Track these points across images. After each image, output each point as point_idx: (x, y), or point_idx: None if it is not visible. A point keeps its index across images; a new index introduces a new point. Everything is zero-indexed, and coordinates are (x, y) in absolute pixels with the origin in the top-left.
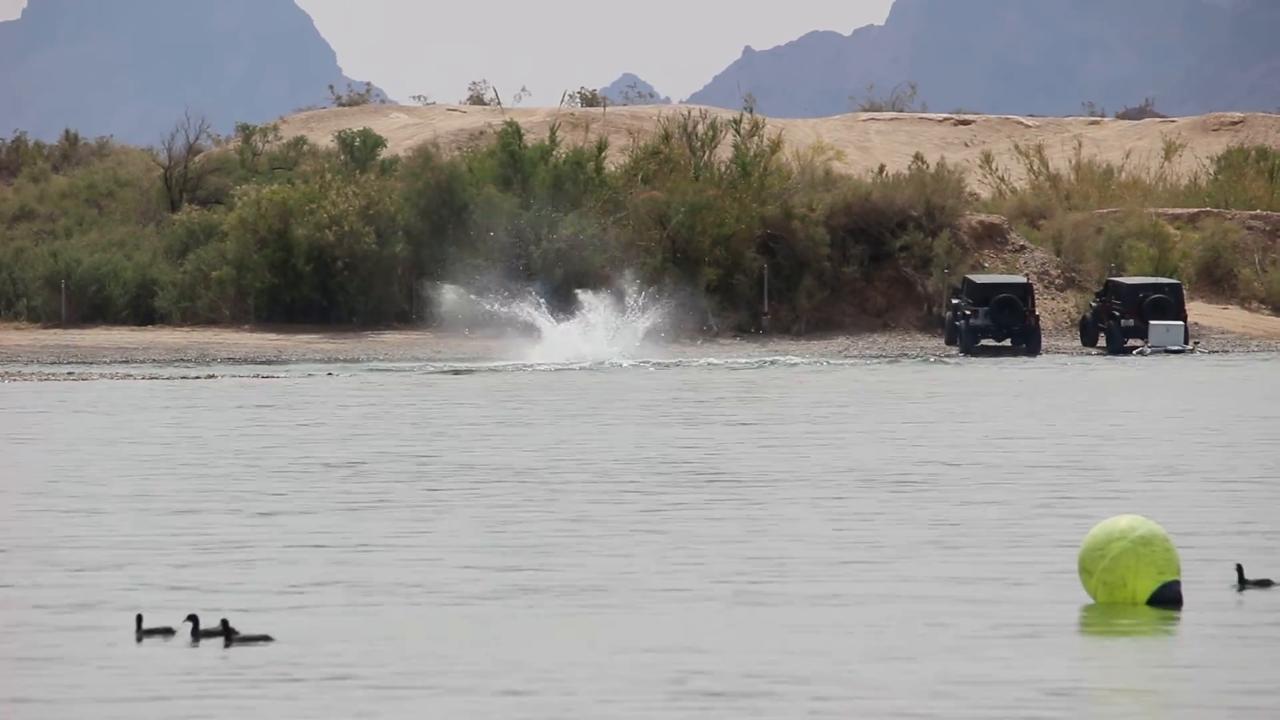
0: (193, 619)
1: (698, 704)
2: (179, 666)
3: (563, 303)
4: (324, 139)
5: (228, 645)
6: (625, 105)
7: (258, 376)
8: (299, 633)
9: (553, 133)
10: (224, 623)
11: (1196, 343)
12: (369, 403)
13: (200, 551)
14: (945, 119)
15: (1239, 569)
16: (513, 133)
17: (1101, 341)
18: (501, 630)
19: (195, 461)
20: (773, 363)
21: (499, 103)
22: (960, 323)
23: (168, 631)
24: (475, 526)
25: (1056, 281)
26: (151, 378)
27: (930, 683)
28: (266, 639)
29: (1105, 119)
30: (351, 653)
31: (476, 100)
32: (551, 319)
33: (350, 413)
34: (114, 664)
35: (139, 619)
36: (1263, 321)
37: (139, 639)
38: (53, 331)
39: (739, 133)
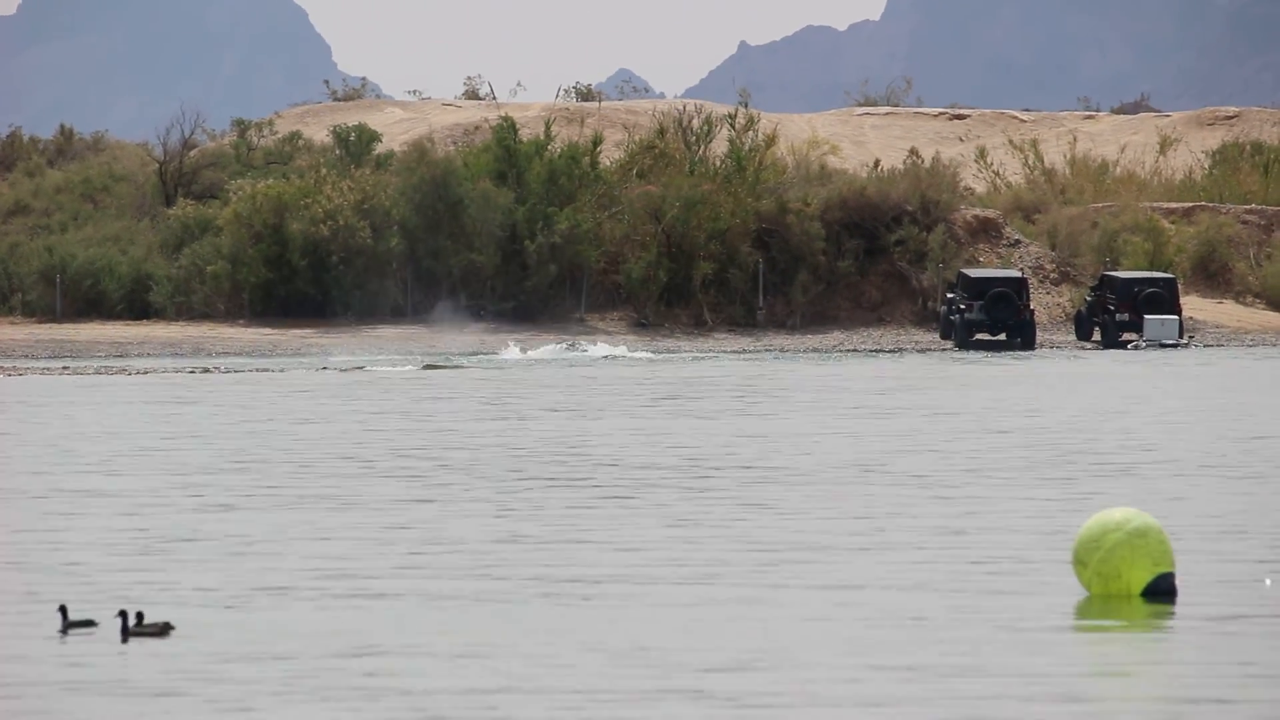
0: (122, 614)
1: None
2: (66, 658)
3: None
4: (319, 134)
5: (125, 638)
6: (620, 100)
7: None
8: (205, 625)
9: (548, 127)
10: (122, 614)
11: (1191, 337)
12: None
13: (139, 549)
14: (940, 114)
15: None
16: (508, 127)
17: (1096, 336)
18: (409, 626)
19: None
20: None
21: (494, 97)
22: (955, 317)
23: (89, 624)
24: (383, 523)
25: (1051, 276)
26: (146, 372)
27: (927, 676)
28: (168, 628)
29: (1100, 113)
30: (246, 646)
31: (472, 95)
32: None
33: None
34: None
35: (63, 610)
36: (1258, 315)
37: (64, 631)
38: (47, 326)
39: (734, 127)
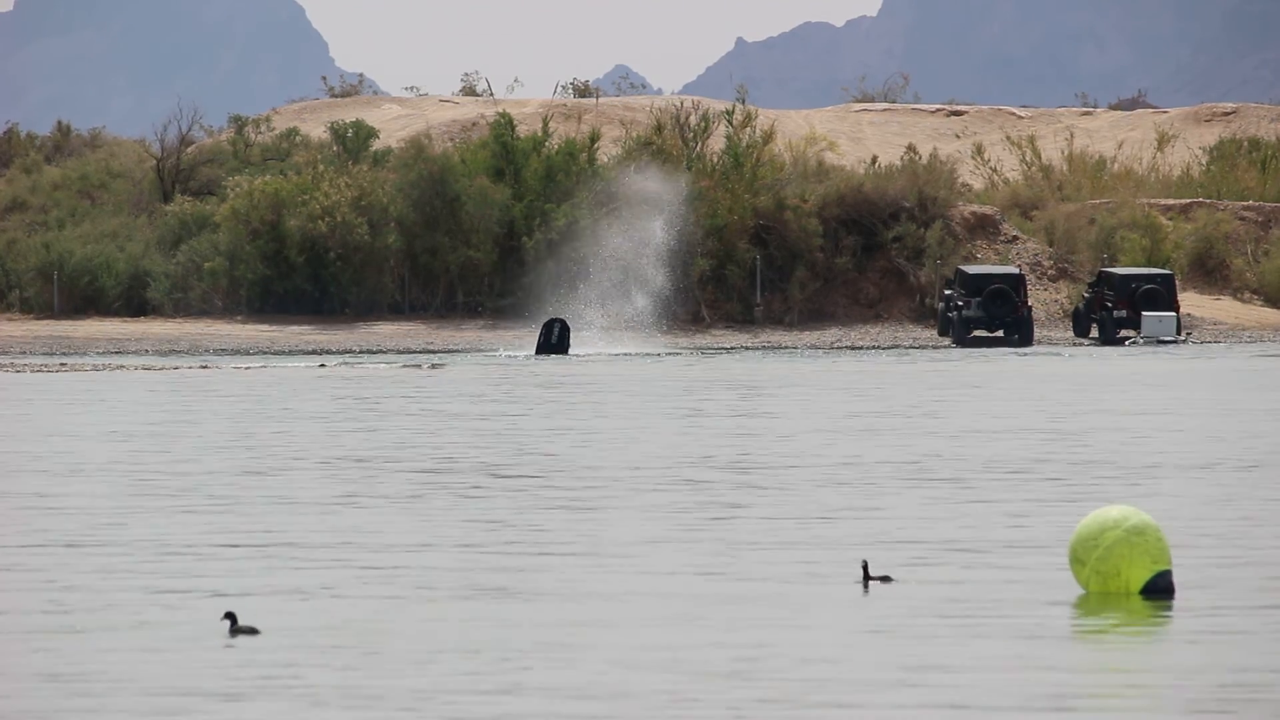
0: None
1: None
2: None
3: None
4: (316, 130)
5: None
6: (618, 96)
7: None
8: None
9: (545, 124)
10: None
11: (1189, 333)
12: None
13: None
14: (938, 110)
15: (864, 565)
16: (505, 124)
17: (1094, 332)
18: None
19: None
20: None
21: (491, 94)
22: (953, 313)
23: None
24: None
25: (1049, 272)
26: (146, 368)
27: (923, 675)
28: None
29: (1098, 110)
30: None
31: (469, 91)
32: None
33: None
34: None
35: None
36: (1255, 312)
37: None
38: (45, 322)
39: (731, 124)
